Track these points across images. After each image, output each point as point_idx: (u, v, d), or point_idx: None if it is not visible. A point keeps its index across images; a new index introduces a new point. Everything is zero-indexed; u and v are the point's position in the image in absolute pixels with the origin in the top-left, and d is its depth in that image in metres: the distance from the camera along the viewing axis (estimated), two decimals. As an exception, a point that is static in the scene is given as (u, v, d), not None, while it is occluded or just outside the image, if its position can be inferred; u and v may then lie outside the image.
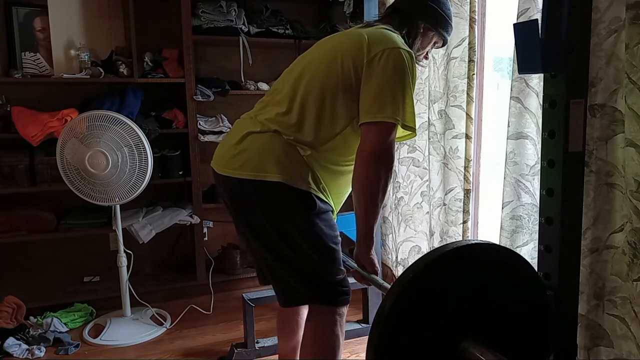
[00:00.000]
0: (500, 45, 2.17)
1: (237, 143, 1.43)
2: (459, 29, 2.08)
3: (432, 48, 1.62)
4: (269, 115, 1.43)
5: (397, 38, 1.41)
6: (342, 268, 1.47)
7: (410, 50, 1.40)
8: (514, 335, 1.11)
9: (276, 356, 2.19)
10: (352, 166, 1.39)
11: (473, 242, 1.14)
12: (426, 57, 1.63)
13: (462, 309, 1.05)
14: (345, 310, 1.51)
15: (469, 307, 1.05)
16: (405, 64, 1.35)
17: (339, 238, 1.47)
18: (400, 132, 1.40)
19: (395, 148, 2.61)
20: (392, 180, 2.71)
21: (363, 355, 2.22)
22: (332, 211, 1.50)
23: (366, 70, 1.36)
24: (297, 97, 1.41)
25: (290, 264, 1.43)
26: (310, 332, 1.52)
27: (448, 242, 1.16)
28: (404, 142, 2.57)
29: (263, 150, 1.39)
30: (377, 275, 1.44)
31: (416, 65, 1.43)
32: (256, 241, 1.46)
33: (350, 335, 2.34)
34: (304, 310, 1.67)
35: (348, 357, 2.26)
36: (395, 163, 2.66)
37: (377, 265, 1.45)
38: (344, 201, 1.58)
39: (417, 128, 2.43)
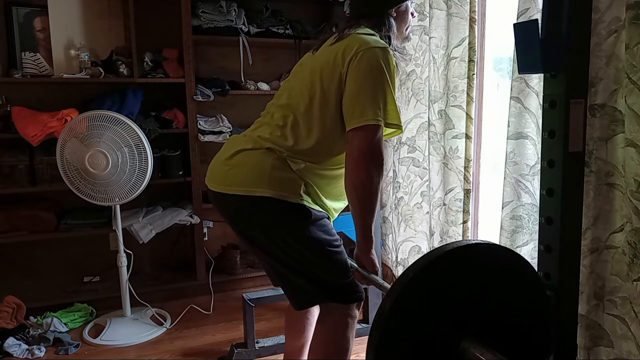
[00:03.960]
0: (500, 45, 2.17)
1: (229, 159, 1.45)
2: (459, 29, 2.08)
3: (413, 18, 1.58)
4: (262, 133, 1.44)
5: (368, 38, 1.39)
6: (349, 270, 1.47)
7: (385, 46, 1.38)
8: (514, 336, 1.11)
9: (276, 356, 2.19)
10: None
11: (473, 242, 1.14)
12: (412, 18, 1.58)
13: (462, 309, 1.05)
14: (357, 312, 1.51)
15: (469, 307, 1.05)
16: (380, 62, 1.34)
17: (339, 241, 1.47)
18: (386, 129, 1.40)
19: (395, 148, 2.63)
20: (392, 180, 2.72)
21: (363, 355, 2.22)
22: (328, 217, 1.50)
23: (345, 79, 1.36)
24: (287, 124, 1.42)
25: (297, 270, 1.43)
26: (321, 334, 1.52)
27: (448, 242, 1.16)
28: (404, 142, 2.57)
29: (254, 167, 1.40)
30: (377, 275, 1.44)
31: (394, 59, 1.39)
32: (260, 252, 1.48)
33: (350, 335, 2.33)
34: (315, 310, 1.68)
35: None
36: (396, 163, 2.66)
37: (378, 265, 1.45)
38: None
39: (417, 128, 2.46)
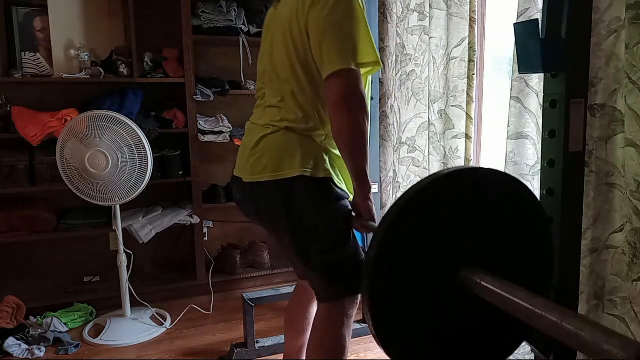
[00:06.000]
0: (500, 45, 2.17)
1: (254, 148, 1.44)
2: (459, 29, 2.08)
3: None
4: (273, 117, 1.43)
5: None
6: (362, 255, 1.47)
7: None
8: (515, 264, 1.06)
9: (276, 356, 2.19)
10: None
11: (472, 166, 1.07)
12: None
13: (460, 237, 1.00)
14: (353, 312, 1.50)
15: (467, 235, 1.01)
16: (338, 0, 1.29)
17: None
18: (364, 68, 1.36)
19: (395, 148, 2.62)
20: (392, 180, 2.71)
21: (363, 355, 2.22)
22: (348, 198, 1.50)
23: (307, 29, 1.32)
24: (285, 97, 1.41)
25: (319, 260, 1.41)
26: (318, 331, 1.52)
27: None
28: (404, 142, 2.57)
29: (280, 149, 1.39)
30: (374, 222, 1.42)
31: None
32: (285, 241, 1.46)
33: (350, 335, 2.33)
34: (313, 310, 1.68)
35: (348, 357, 2.25)
36: (396, 163, 2.66)
37: (374, 212, 1.43)
38: None
39: (417, 128, 2.46)
